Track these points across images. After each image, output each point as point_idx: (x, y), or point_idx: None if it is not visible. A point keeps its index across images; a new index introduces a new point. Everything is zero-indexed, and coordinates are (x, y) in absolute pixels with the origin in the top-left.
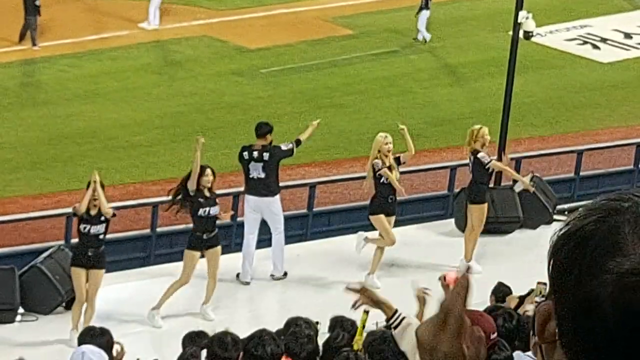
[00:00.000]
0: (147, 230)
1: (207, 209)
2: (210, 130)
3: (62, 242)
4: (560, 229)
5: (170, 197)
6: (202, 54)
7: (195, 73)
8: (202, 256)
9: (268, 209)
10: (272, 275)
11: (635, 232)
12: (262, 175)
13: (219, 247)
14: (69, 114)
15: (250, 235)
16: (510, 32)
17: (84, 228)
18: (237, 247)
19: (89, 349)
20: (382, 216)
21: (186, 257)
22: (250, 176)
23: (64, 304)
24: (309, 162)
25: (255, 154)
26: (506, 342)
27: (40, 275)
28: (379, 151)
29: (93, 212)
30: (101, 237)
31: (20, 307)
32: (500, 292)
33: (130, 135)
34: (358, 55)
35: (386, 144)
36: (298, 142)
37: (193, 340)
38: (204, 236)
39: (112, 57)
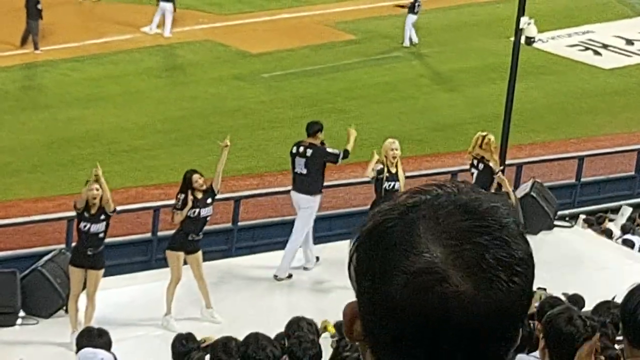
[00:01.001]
0: (148, 234)
1: (197, 210)
2: (212, 135)
3: (63, 245)
4: (364, 225)
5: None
6: (204, 58)
7: (197, 77)
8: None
9: (303, 207)
10: (275, 276)
11: (429, 229)
12: (304, 172)
13: (199, 252)
14: (71, 117)
15: (305, 228)
16: (512, 38)
17: (84, 226)
18: (238, 251)
19: (107, 355)
20: None
21: (170, 258)
22: (295, 171)
23: (65, 308)
24: None
25: (302, 149)
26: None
27: (41, 279)
28: (385, 156)
29: (93, 210)
30: (101, 235)
31: (21, 311)
32: None
33: (132, 139)
34: (360, 60)
35: (392, 149)
36: (346, 153)
37: (182, 343)
38: (189, 237)
39: (113, 61)
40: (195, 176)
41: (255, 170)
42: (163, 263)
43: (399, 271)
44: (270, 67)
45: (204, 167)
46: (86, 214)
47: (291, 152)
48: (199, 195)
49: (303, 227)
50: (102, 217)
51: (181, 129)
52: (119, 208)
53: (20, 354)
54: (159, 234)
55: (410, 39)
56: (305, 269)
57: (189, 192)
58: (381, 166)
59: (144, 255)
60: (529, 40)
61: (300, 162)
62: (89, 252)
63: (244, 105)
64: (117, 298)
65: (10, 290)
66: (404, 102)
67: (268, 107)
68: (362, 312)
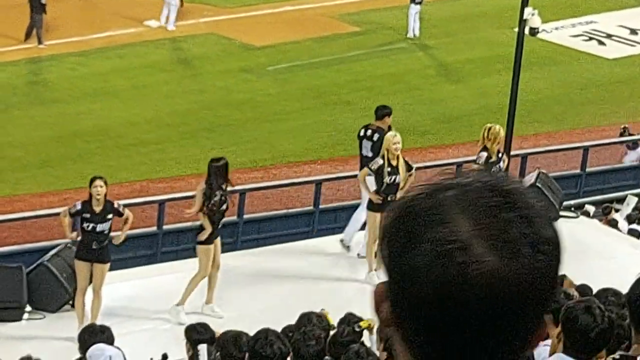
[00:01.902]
0: (154, 228)
1: (226, 204)
2: (219, 128)
3: (68, 240)
4: (393, 205)
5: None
6: (209, 51)
7: (203, 71)
8: None
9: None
10: (341, 240)
11: (458, 204)
12: (370, 154)
13: (218, 238)
14: (78, 112)
15: (360, 208)
16: (516, 29)
17: (88, 226)
18: (243, 244)
19: (114, 352)
20: (377, 215)
21: (202, 254)
22: (362, 153)
23: (71, 302)
24: (315, 159)
25: (369, 132)
26: None
27: (47, 274)
28: (387, 150)
29: (97, 208)
30: (106, 232)
31: (28, 305)
32: None
33: (139, 133)
34: (365, 52)
35: (394, 143)
36: (371, 165)
37: (198, 332)
38: (218, 226)
39: (119, 55)
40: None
41: (261, 163)
42: (169, 257)
43: (423, 240)
44: (275, 59)
45: (209, 161)
46: (87, 215)
47: (359, 134)
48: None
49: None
50: (109, 216)
51: (188, 122)
52: (124, 202)
53: (27, 349)
54: (165, 227)
55: (413, 31)
56: (342, 241)
57: (214, 184)
58: (381, 162)
59: (149, 249)
60: (533, 31)
61: (366, 145)
62: (94, 247)
63: (250, 97)
64: (123, 292)
65: (16, 285)
66: (409, 93)
67: (274, 100)
68: (389, 288)
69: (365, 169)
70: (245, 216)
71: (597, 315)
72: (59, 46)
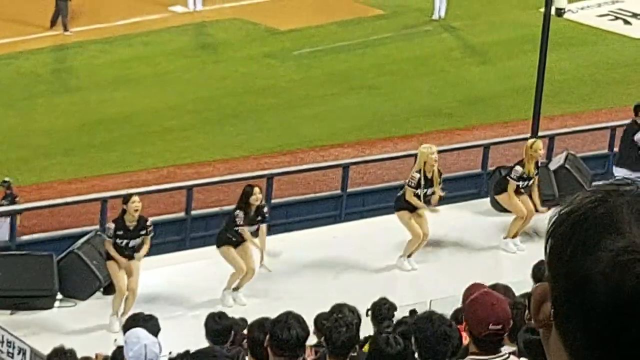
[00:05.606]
0: (182, 214)
1: (245, 228)
2: (243, 114)
3: (97, 226)
4: (561, 209)
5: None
6: (233, 36)
7: (226, 56)
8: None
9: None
10: None
11: (632, 213)
12: (622, 145)
13: (246, 243)
14: (102, 99)
15: None
16: (542, 9)
17: (121, 242)
18: (275, 229)
19: (150, 340)
20: (405, 212)
21: (223, 254)
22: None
23: (102, 290)
24: (342, 143)
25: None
26: None
27: (78, 261)
28: (425, 163)
29: (131, 225)
30: (137, 246)
31: (59, 293)
32: (540, 270)
33: (163, 120)
34: (389, 35)
35: (432, 153)
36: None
37: (216, 321)
38: (234, 239)
39: (143, 42)
40: (256, 189)
41: (287, 148)
42: (197, 243)
43: (600, 249)
44: (299, 44)
45: (235, 147)
46: (121, 232)
47: None
48: (252, 213)
49: None
50: (142, 232)
51: (212, 108)
52: (151, 188)
53: (59, 337)
54: (193, 213)
55: (439, 12)
56: None
57: (245, 206)
58: (418, 175)
59: (177, 235)
60: (559, 12)
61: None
62: (126, 252)
63: (274, 83)
64: (152, 279)
65: (47, 273)
66: (435, 76)
67: (298, 85)
68: (554, 292)
69: (410, 190)
70: (273, 201)
71: None
72: (85, 33)
